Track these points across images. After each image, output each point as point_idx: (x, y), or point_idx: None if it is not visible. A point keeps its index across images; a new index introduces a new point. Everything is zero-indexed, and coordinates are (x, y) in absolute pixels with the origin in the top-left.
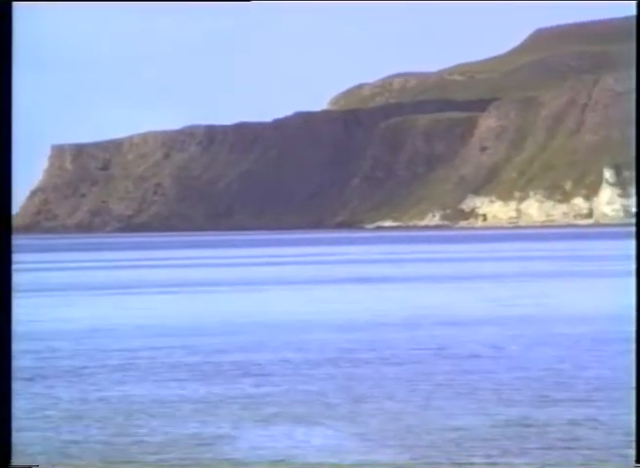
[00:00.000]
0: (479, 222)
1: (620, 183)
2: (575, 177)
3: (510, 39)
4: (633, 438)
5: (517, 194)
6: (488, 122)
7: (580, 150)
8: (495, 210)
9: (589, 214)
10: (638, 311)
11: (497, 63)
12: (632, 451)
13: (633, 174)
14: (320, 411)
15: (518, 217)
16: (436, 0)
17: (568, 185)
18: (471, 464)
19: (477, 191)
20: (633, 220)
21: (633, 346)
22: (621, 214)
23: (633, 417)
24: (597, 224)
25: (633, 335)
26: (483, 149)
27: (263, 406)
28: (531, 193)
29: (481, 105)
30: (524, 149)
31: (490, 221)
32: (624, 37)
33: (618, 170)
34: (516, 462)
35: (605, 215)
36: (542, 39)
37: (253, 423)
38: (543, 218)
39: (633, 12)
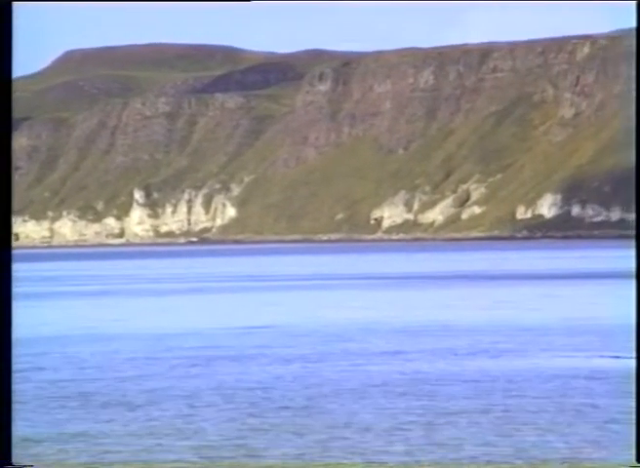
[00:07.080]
0: (12, 242)
1: (149, 204)
2: (106, 198)
3: (40, 59)
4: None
5: (50, 214)
6: (20, 141)
7: (111, 171)
8: (28, 229)
9: (121, 234)
10: (638, 314)
11: (27, 83)
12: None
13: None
14: None
15: (51, 237)
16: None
17: (100, 205)
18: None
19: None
20: (162, 240)
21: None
22: (152, 233)
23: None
24: (128, 244)
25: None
26: (16, 169)
27: None
28: (64, 213)
29: (13, 125)
30: (56, 169)
31: (22, 241)
32: (149, 64)
33: (147, 191)
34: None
35: (136, 235)
36: (73, 61)
37: None
38: (76, 238)
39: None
